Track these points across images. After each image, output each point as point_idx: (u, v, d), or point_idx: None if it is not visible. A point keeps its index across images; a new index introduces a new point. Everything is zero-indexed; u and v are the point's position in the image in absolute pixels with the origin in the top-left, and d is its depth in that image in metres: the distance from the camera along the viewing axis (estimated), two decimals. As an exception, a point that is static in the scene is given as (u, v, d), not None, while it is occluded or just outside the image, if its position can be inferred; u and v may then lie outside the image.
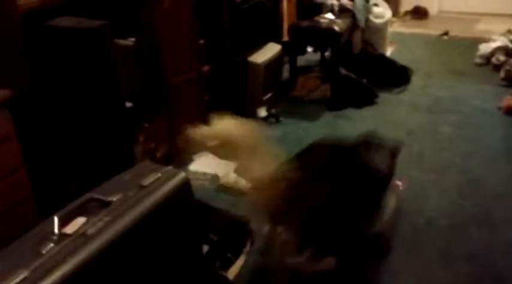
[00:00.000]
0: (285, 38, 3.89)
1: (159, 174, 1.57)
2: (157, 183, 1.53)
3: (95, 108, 1.99)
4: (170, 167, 1.65)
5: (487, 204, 2.45)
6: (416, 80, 3.90)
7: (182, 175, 1.62)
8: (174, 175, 1.59)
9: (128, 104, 2.21)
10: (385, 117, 3.39)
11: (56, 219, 1.37)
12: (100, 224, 1.36)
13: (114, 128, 2.02)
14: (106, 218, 1.37)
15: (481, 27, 5.25)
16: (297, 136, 3.19)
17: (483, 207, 2.43)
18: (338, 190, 1.67)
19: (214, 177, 2.67)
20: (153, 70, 2.55)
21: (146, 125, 2.48)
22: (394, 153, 1.88)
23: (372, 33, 3.93)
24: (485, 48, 4.31)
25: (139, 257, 1.46)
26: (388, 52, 4.35)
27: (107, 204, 1.43)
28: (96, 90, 1.96)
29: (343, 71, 3.56)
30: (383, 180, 1.80)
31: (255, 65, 3.20)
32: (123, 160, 2.06)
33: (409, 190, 2.58)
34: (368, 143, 1.89)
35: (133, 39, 2.37)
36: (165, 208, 1.52)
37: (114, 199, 1.45)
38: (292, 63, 3.81)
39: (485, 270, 2.03)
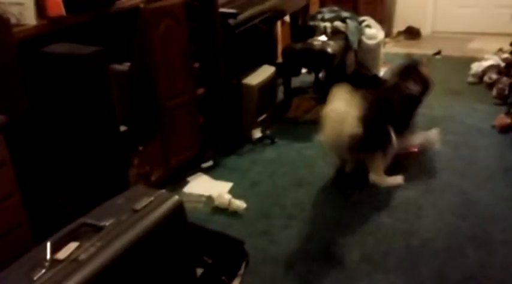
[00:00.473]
0: (279, 60, 3.94)
1: (152, 198, 1.58)
2: (150, 207, 1.54)
3: (90, 133, 2.00)
4: (163, 190, 1.66)
5: (483, 225, 2.44)
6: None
7: (175, 198, 1.62)
8: (167, 199, 1.60)
9: (123, 128, 2.22)
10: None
11: (48, 245, 1.37)
12: (92, 249, 1.36)
13: (108, 152, 2.03)
14: (98, 244, 1.37)
15: (474, 46, 5.32)
16: (291, 157, 3.21)
17: (479, 227, 2.43)
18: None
19: (209, 199, 2.67)
20: (147, 94, 2.57)
21: (141, 148, 2.48)
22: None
23: (365, 54, 3.97)
24: (477, 67, 4.35)
25: (132, 282, 1.46)
26: (382, 72, 4.40)
27: (99, 229, 1.43)
28: (90, 115, 1.97)
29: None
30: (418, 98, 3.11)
31: (249, 87, 3.23)
32: (118, 184, 2.06)
33: (405, 211, 2.59)
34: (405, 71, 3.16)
35: (128, 63, 2.39)
36: (158, 232, 1.52)
37: (107, 223, 1.45)
38: (287, 84, 3.84)
39: (482, 292, 2.03)
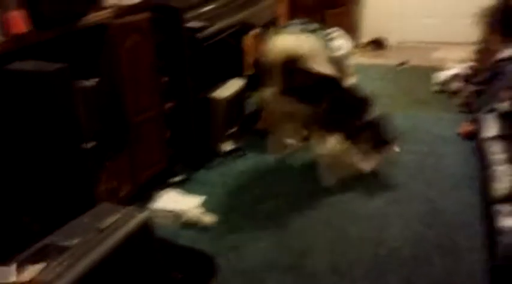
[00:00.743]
0: (247, 73, 3.95)
1: (119, 215, 1.57)
2: (117, 225, 1.53)
3: (55, 150, 1.98)
4: (131, 207, 1.65)
5: (449, 233, 2.49)
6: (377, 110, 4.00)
7: (142, 214, 1.62)
8: (134, 216, 1.59)
9: (90, 144, 2.20)
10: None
11: (13, 266, 1.36)
12: (58, 269, 1.34)
13: (74, 169, 2.01)
14: (64, 263, 1.36)
15: (438, 55, 5.45)
16: (262, 169, 3.22)
17: (446, 235, 2.48)
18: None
19: (178, 214, 2.65)
20: (115, 109, 2.56)
21: (108, 164, 2.46)
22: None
23: (333, 65, 4.02)
24: (442, 75, 4.47)
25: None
26: (350, 82, 4.46)
27: (65, 249, 1.42)
28: (55, 132, 1.95)
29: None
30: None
31: (218, 101, 3.24)
32: (85, 201, 2.04)
33: (373, 221, 2.63)
34: None
35: (96, 79, 2.38)
36: (125, 250, 1.52)
37: (73, 243, 1.44)
38: (256, 96, 3.86)
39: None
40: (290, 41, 2.90)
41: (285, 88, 2.81)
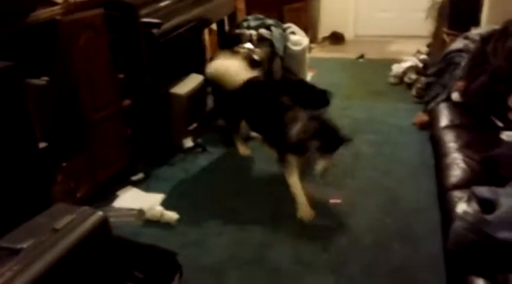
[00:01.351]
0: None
1: (74, 215, 1.52)
2: (72, 225, 1.49)
3: (6, 150, 1.91)
4: (86, 207, 1.61)
5: (408, 219, 2.57)
6: (336, 103, 4.04)
7: (99, 214, 1.58)
8: (89, 215, 1.55)
9: (43, 144, 2.14)
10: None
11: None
12: (9, 274, 1.29)
13: (26, 170, 1.94)
14: (15, 268, 1.30)
15: (394, 48, 5.58)
16: (223, 165, 3.22)
17: (404, 222, 2.55)
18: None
19: (140, 212, 2.62)
20: (69, 107, 2.50)
21: (64, 164, 2.40)
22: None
23: (291, 60, 4.05)
24: (397, 68, 4.57)
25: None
26: (308, 77, 4.51)
27: (16, 252, 1.37)
28: (6, 132, 1.89)
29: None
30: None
31: (178, 96, 3.21)
32: (40, 202, 1.98)
33: (333, 211, 2.67)
34: None
35: (46, 77, 2.32)
36: (81, 250, 1.47)
37: (25, 245, 1.39)
38: (216, 92, 3.85)
39: (409, 283, 2.12)
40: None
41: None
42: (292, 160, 2.62)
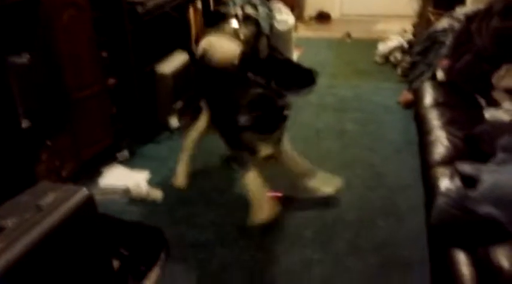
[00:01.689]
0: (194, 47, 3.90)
1: (58, 193, 1.51)
2: (56, 203, 1.47)
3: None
4: (71, 185, 1.61)
5: (392, 196, 2.60)
6: (322, 81, 4.05)
7: (84, 192, 1.56)
8: (74, 193, 1.54)
9: (26, 123, 2.11)
10: (293, 118, 3.47)
11: None
12: (-8, 252, 1.29)
13: (9, 148, 1.93)
14: (-1, 245, 1.30)
15: (380, 27, 5.58)
16: (209, 143, 3.20)
17: (388, 198, 2.59)
18: None
19: (126, 190, 2.61)
20: (53, 86, 2.46)
21: (49, 143, 2.38)
22: None
23: (277, 39, 4.04)
24: (383, 47, 4.58)
25: (43, 281, 1.40)
26: (295, 56, 4.50)
27: (0, 230, 1.36)
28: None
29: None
30: None
31: (163, 75, 3.19)
32: (24, 181, 1.97)
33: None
34: None
35: (27, 55, 2.27)
36: (66, 228, 1.47)
37: (9, 223, 1.38)
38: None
39: (393, 258, 2.16)
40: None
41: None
42: (246, 156, 2.23)
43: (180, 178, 2.61)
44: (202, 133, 2.70)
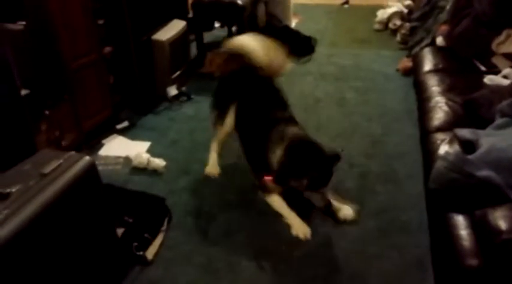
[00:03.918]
0: (190, 15, 3.85)
1: (61, 160, 1.53)
2: (60, 170, 1.49)
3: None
4: (73, 152, 1.61)
5: (390, 163, 2.62)
6: (321, 50, 4.03)
7: (86, 159, 1.58)
8: (77, 160, 1.55)
9: (24, 91, 2.10)
10: (293, 87, 3.48)
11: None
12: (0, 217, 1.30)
13: (8, 117, 1.92)
14: (5, 211, 1.31)
15: (378, -6, 5.50)
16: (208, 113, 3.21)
17: (387, 165, 2.60)
18: None
19: (127, 160, 2.62)
20: (49, 54, 2.44)
21: (48, 112, 2.37)
22: None
23: (276, 6, 3.99)
24: (382, 14, 4.53)
25: (48, 247, 1.43)
26: (293, 23, 4.45)
27: (5, 196, 1.37)
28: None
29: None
30: None
31: (160, 43, 3.15)
32: (24, 151, 1.97)
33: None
34: None
35: (23, 22, 2.24)
36: (70, 195, 1.49)
37: (14, 190, 1.39)
38: (199, 39, 3.79)
39: (392, 223, 2.19)
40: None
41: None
42: (272, 187, 2.16)
43: (213, 167, 2.56)
44: (228, 135, 2.56)
